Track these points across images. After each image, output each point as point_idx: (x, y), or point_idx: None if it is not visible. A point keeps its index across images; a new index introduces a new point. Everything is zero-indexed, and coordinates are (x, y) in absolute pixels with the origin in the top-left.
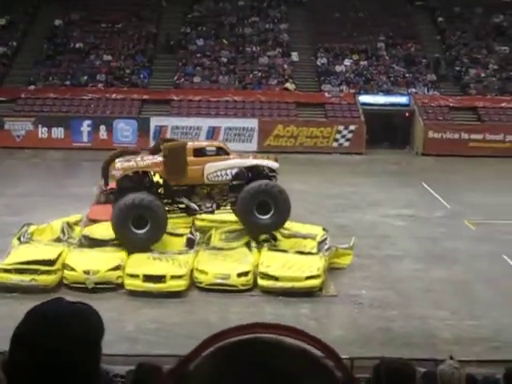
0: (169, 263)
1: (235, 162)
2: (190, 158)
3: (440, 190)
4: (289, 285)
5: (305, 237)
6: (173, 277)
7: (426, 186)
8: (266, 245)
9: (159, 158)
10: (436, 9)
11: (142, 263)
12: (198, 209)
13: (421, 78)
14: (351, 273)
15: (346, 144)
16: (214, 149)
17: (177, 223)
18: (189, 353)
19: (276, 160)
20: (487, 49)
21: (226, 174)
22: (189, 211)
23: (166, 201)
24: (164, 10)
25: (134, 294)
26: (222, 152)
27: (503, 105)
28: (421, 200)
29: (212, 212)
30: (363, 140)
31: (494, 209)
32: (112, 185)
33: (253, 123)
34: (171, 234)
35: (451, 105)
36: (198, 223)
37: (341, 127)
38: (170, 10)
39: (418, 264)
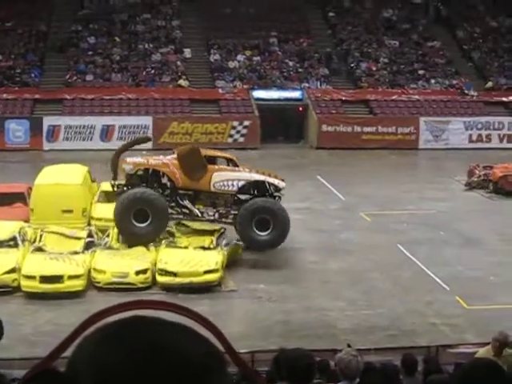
0: (66, 263)
1: (242, 175)
2: None
3: (335, 182)
4: (187, 280)
5: (203, 233)
6: (70, 277)
7: (321, 179)
8: (163, 242)
9: (171, 159)
10: (326, 4)
11: (38, 264)
12: (199, 215)
13: (313, 73)
14: (250, 267)
15: (241, 139)
16: (224, 159)
17: (74, 225)
18: (67, 336)
19: (282, 180)
20: (377, 43)
21: (232, 185)
22: (190, 216)
23: (171, 204)
24: (54, 8)
25: (31, 296)
26: (231, 164)
27: (394, 97)
28: (316, 193)
29: (213, 221)
30: (258, 135)
31: (387, 200)
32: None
33: (147, 121)
34: (69, 237)
35: (344, 98)
36: (95, 223)
37: (235, 123)
38: (61, 8)
39: (315, 256)
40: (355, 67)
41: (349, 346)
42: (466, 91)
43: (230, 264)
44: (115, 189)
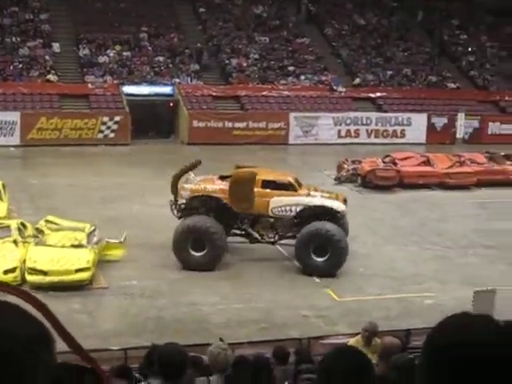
0: None
1: (301, 200)
2: (258, 190)
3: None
4: (58, 279)
5: (73, 229)
6: None
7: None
8: (32, 240)
9: (227, 185)
10: None
11: None
12: (259, 238)
13: (184, 68)
14: (122, 264)
15: (112, 135)
16: (282, 182)
17: None
18: None
19: (345, 200)
20: (248, 39)
21: (291, 211)
22: (250, 239)
23: (231, 229)
24: None
25: None
26: (290, 187)
27: (265, 93)
28: None
29: (273, 243)
30: (128, 131)
31: None
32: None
33: (14, 116)
34: None
35: (214, 94)
36: None
37: (105, 118)
38: None
39: None
40: (226, 63)
41: (221, 339)
42: (335, 87)
43: (103, 261)
44: (176, 212)
